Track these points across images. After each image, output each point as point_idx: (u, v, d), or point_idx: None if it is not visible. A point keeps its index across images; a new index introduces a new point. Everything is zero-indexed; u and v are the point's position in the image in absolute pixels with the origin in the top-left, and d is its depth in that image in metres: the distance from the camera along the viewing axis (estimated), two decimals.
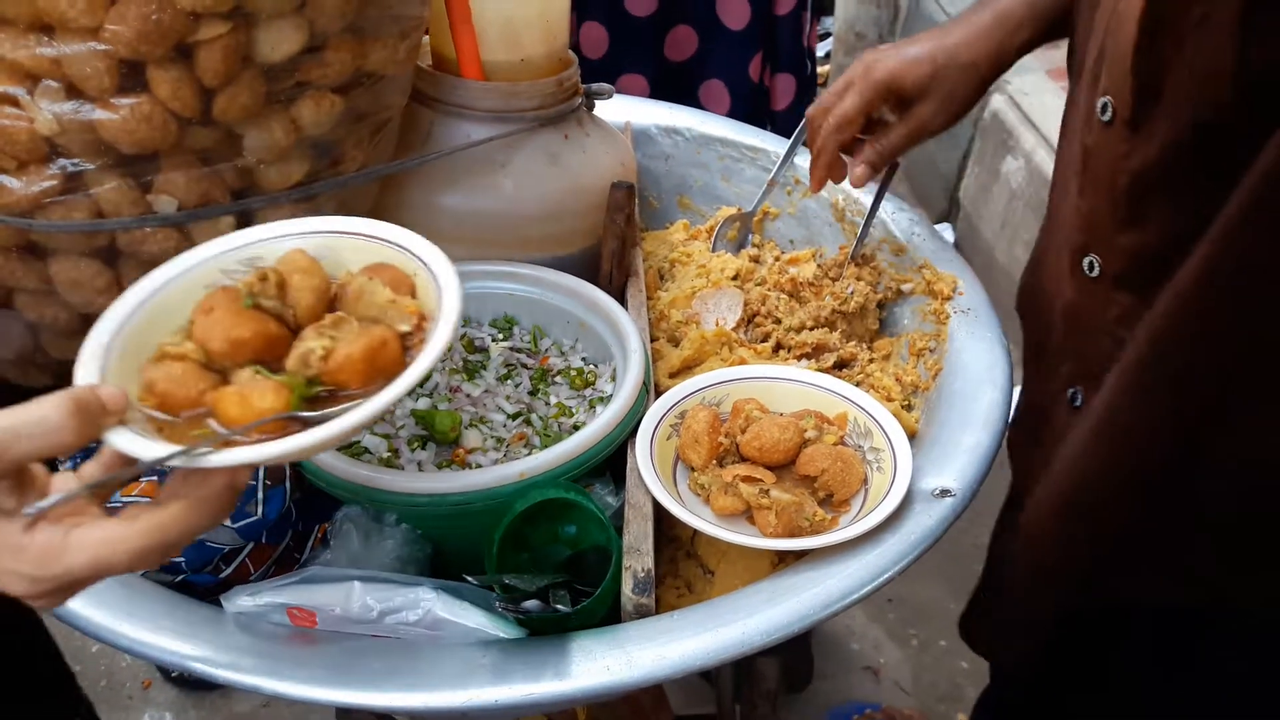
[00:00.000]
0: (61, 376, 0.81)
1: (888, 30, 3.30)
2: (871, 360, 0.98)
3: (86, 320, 0.79)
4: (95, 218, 0.74)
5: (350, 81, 0.78)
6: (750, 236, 1.17)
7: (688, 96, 1.91)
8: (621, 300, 0.96)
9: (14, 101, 0.69)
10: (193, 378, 0.55)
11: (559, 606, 0.66)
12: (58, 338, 0.80)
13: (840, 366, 0.98)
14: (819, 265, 1.07)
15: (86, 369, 0.55)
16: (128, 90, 0.69)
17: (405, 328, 0.58)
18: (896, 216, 1.09)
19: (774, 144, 1.22)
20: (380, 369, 0.55)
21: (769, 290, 1.04)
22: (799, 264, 1.09)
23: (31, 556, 0.51)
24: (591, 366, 0.91)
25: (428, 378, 0.88)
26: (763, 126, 1.95)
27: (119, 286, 0.78)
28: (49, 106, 0.69)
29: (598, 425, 0.78)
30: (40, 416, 0.50)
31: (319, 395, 0.55)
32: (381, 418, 0.69)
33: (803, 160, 1.17)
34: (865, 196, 1.09)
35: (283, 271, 0.59)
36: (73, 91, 0.68)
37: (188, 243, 0.77)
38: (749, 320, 1.03)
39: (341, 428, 0.51)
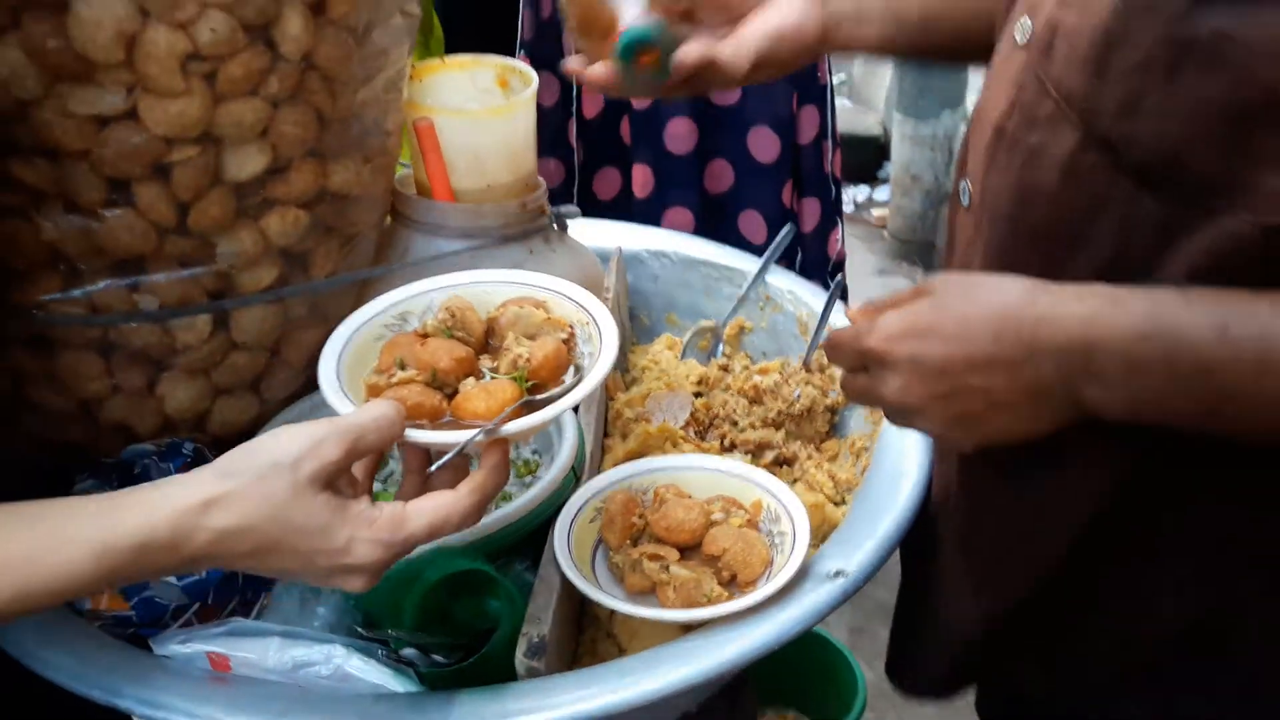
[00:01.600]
0: (51, 448, 0.92)
1: (943, 172, 3.38)
2: (810, 458, 1.03)
3: (82, 405, 0.91)
4: (90, 314, 0.86)
5: (314, 199, 0.89)
6: (721, 347, 1.24)
7: (729, 226, 2.04)
8: None
9: (24, 213, 0.82)
10: (429, 394, 0.71)
11: (436, 657, 0.72)
12: (55, 421, 0.91)
13: (782, 464, 1.03)
14: (780, 374, 1.13)
15: (342, 404, 0.69)
16: (115, 203, 0.81)
17: (563, 336, 0.76)
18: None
19: (750, 264, 1.30)
20: (563, 365, 0.74)
21: (731, 395, 1.11)
22: (766, 373, 1.15)
23: (382, 525, 0.63)
24: (537, 458, 0.98)
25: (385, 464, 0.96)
26: (793, 249, 2.06)
27: (110, 375, 0.89)
28: (52, 217, 0.82)
29: (517, 504, 0.84)
30: (379, 415, 0.65)
31: (528, 388, 0.72)
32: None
33: (774, 279, 1.25)
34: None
35: (455, 310, 0.75)
36: (70, 205, 0.81)
37: (169, 338, 0.88)
38: (709, 423, 1.10)
39: (568, 402, 0.70)
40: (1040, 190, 0.68)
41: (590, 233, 1.26)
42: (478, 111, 1.05)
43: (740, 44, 0.88)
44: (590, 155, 2.03)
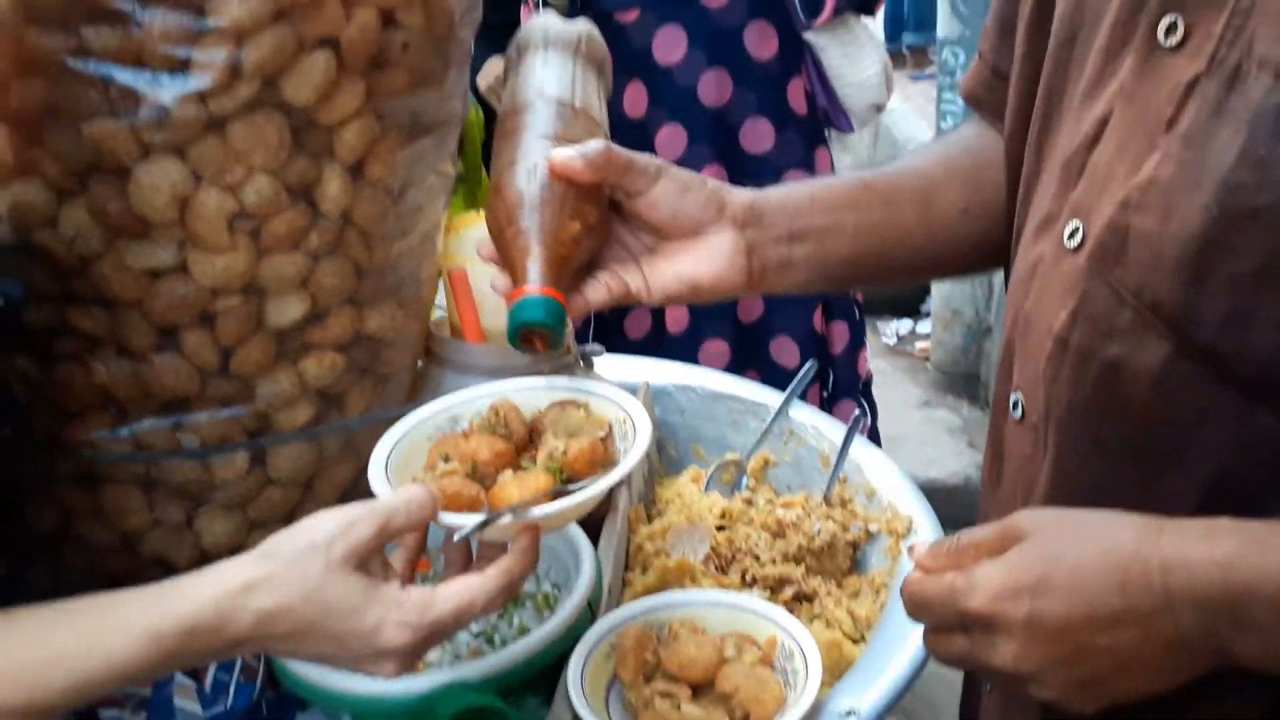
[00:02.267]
0: (92, 581, 0.96)
1: (984, 306, 3.41)
2: (830, 594, 1.03)
3: (124, 538, 0.95)
4: (135, 451, 0.91)
5: (350, 343, 0.95)
6: (745, 480, 1.26)
7: (762, 353, 2.09)
8: (598, 533, 1.06)
9: (79, 358, 0.88)
10: (468, 485, 0.74)
11: None
12: (97, 554, 0.96)
13: (801, 600, 1.04)
14: (803, 507, 1.15)
15: (382, 487, 0.74)
16: (163, 349, 0.87)
17: (601, 434, 0.79)
18: (870, 460, 1.16)
19: (775, 398, 1.33)
20: (598, 459, 0.77)
21: (754, 529, 1.12)
22: (790, 507, 1.17)
23: (411, 607, 0.65)
24: (556, 592, 1.00)
25: None
26: (825, 371, 2.09)
27: (150, 510, 0.94)
28: (104, 362, 0.88)
29: (533, 638, 0.86)
30: (410, 497, 0.68)
31: (563, 481, 0.76)
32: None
33: (797, 413, 1.27)
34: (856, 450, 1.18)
35: (501, 409, 0.81)
36: (121, 350, 0.87)
37: (208, 474, 0.93)
38: (731, 557, 1.11)
39: (598, 489, 0.74)
40: (1127, 405, 0.63)
41: (617, 368, 1.31)
42: None
43: (652, 282, 0.82)
44: None
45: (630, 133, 1.99)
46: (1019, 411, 0.71)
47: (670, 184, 0.81)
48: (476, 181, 2.15)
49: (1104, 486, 0.64)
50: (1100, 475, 0.65)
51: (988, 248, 0.85)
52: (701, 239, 0.82)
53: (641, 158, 0.81)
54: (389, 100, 0.85)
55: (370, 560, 0.67)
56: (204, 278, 0.84)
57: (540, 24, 0.88)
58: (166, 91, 0.75)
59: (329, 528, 0.66)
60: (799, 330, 2.06)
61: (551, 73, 0.85)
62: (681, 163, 1.96)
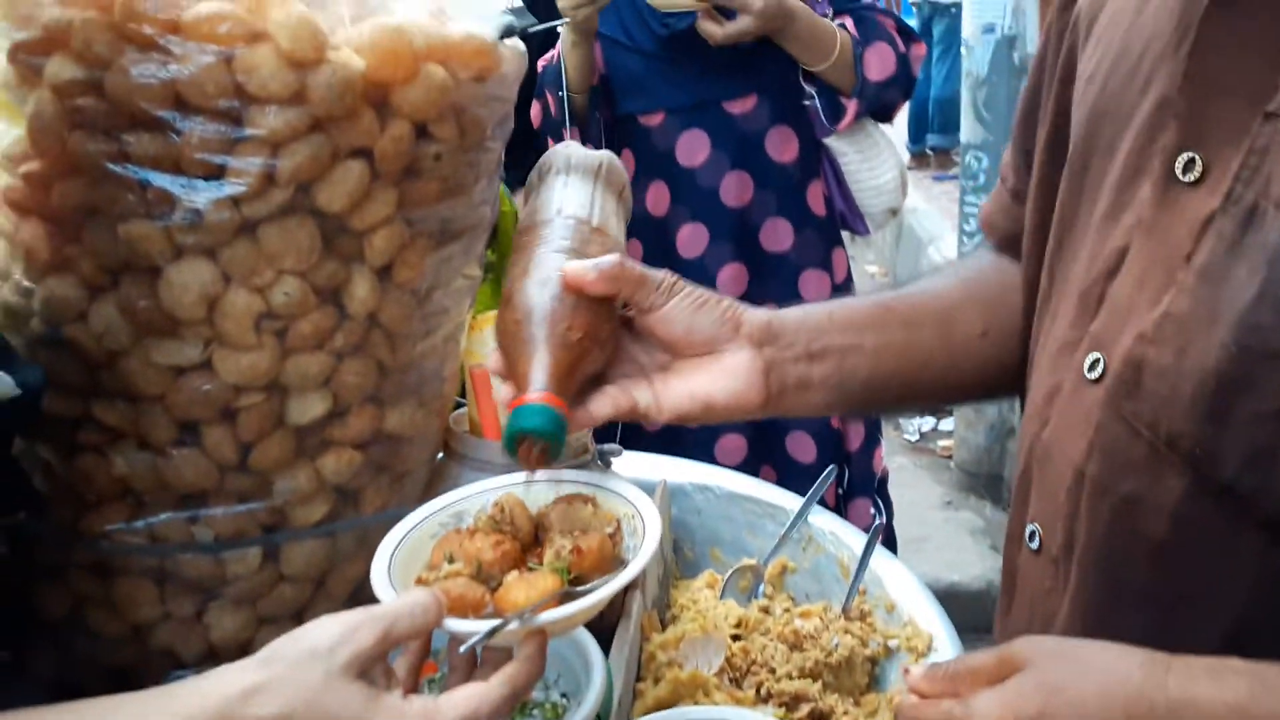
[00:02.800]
0: (100, 672, 0.95)
1: (1008, 406, 3.39)
2: (847, 713, 1.00)
3: (134, 630, 0.94)
4: (150, 544, 0.91)
5: (369, 440, 0.95)
6: (762, 588, 1.24)
7: (778, 448, 2.08)
8: (610, 639, 1.04)
9: (100, 450, 0.88)
10: (473, 587, 0.73)
11: None
12: (107, 645, 0.95)
13: (818, 719, 1.01)
14: (821, 618, 1.13)
15: (386, 592, 0.72)
16: (184, 443, 0.88)
17: (610, 530, 0.78)
18: (890, 572, 1.14)
19: (793, 502, 1.32)
20: (607, 558, 0.75)
21: (770, 640, 1.10)
22: (808, 617, 1.15)
23: (413, 718, 0.63)
24: (565, 701, 0.98)
25: None
26: (840, 467, 2.08)
27: (162, 602, 0.93)
28: (125, 454, 0.88)
29: None
30: (414, 602, 0.67)
31: (571, 581, 0.74)
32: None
33: (816, 518, 1.26)
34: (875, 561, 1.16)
35: (505, 505, 0.79)
36: (142, 443, 0.88)
37: (221, 568, 0.93)
38: (746, 669, 1.09)
39: (607, 593, 0.72)
40: (1144, 543, 0.62)
41: (635, 465, 1.30)
42: None
43: (662, 399, 0.80)
44: None
45: (652, 231, 2.01)
46: (1036, 543, 0.69)
47: (684, 300, 0.80)
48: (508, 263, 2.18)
49: (1124, 625, 0.62)
50: (1120, 613, 0.63)
51: (1007, 372, 0.84)
52: (716, 356, 0.80)
53: (655, 273, 0.81)
54: (419, 208, 0.87)
55: (373, 668, 0.66)
56: (228, 375, 0.85)
57: (563, 150, 0.90)
58: (202, 196, 0.77)
59: (331, 634, 0.65)
60: (816, 425, 2.06)
61: (571, 194, 0.86)
62: (702, 260, 1.99)
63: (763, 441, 2.07)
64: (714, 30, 1.82)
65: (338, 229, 0.84)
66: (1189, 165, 0.59)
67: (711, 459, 2.00)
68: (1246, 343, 0.55)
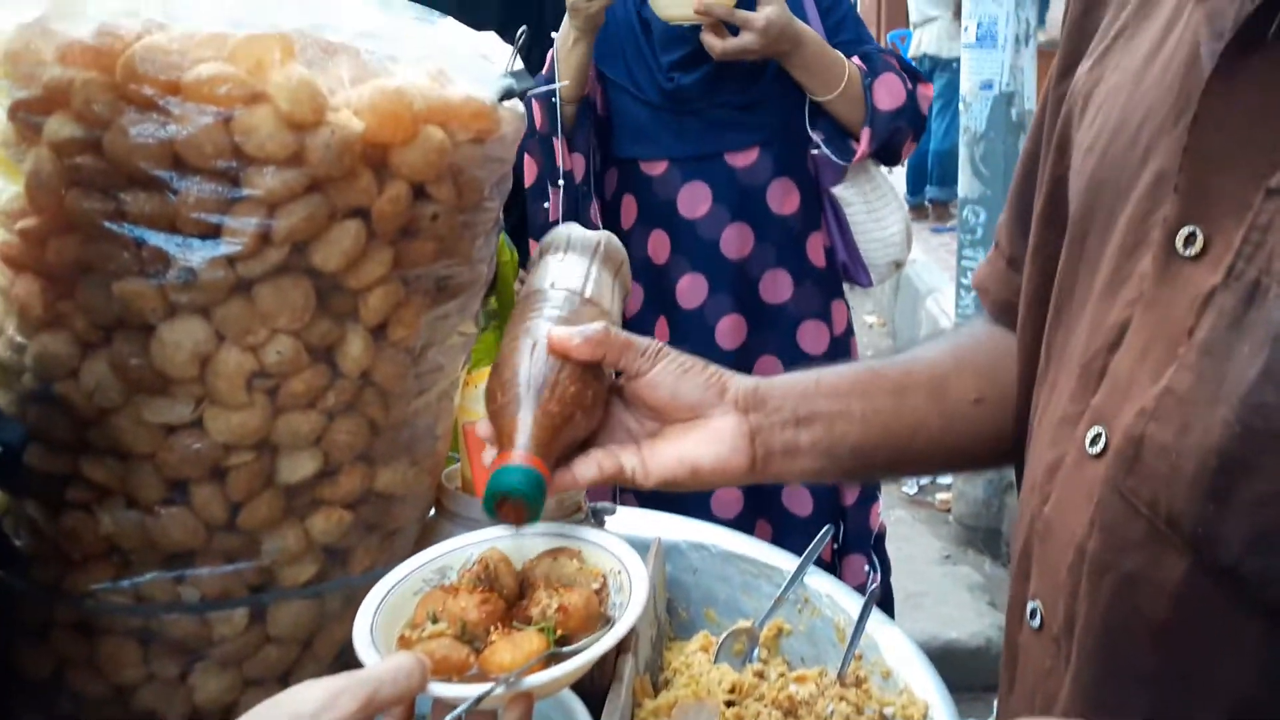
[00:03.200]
0: None
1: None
2: None
3: (117, 691, 0.93)
4: (135, 604, 0.90)
5: (360, 499, 0.94)
6: (757, 651, 1.22)
7: (775, 501, 2.08)
8: (601, 702, 1.02)
9: (87, 508, 0.87)
10: (457, 648, 0.72)
11: None
12: (89, 706, 0.93)
13: None
14: (816, 684, 1.11)
15: (369, 655, 0.71)
16: (172, 502, 0.87)
17: (596, 586, 0.77)
18: (886, 638, 1.13)
19: (790, 562, 1.30)
20: (593, 616, 0.75)
21: (765, 706, 1.08)
22: (804, 682, 1.13)
23: None
24: None
25: None
26: (836, 522, 2.06)
27: (146, 664, 0.92)
28: (112, 513, 0.87)
29: None
30: (398, 666, 0.66)
31: (557, 640, 0.74)
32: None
33: (813, 580, 1.24)
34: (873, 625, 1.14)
35: (490, 562, 0.78)
36: (130, 502, 0.87)
37: (207, 629, 0.91)
38: None
39: (594, 655, 0.71)
40: (1145, 623, 0.60)
41: (630, 522, 1.29)
42: None
43: (649, 464, 0.80)
44: None
45: (653, 278, 2.01)
46: (1037, 621, 0.68)
47: (670, 365, 0.81)
48: (507, 319, 2.17)
49: (1126, 705, 0.60)
50: (1122, 693, 0.62)
51: (1002, 441, 0.83)
52: (703, 421, 0.81)
53: (641, 340, 0.82)
54: (415, 267, 0.87)
55: None
56: (218, 434, 0.84)
57: (564, 230, 0.91)
58: (197, 254, 0.77)
59: (313, 700, 0.63)
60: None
61: (566, 268, 0.87)
62: (702, 311, 1.99)
63: (759, 494, 2.06)
64: (715, 43, 1.82)
65: (332, 287, 0.84)
66: (1190, 239, 0.58)
67: (708, 511, 1.99)
68: (1250, 422, 0.54)
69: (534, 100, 1.91)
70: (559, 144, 1.92)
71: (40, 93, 0.76)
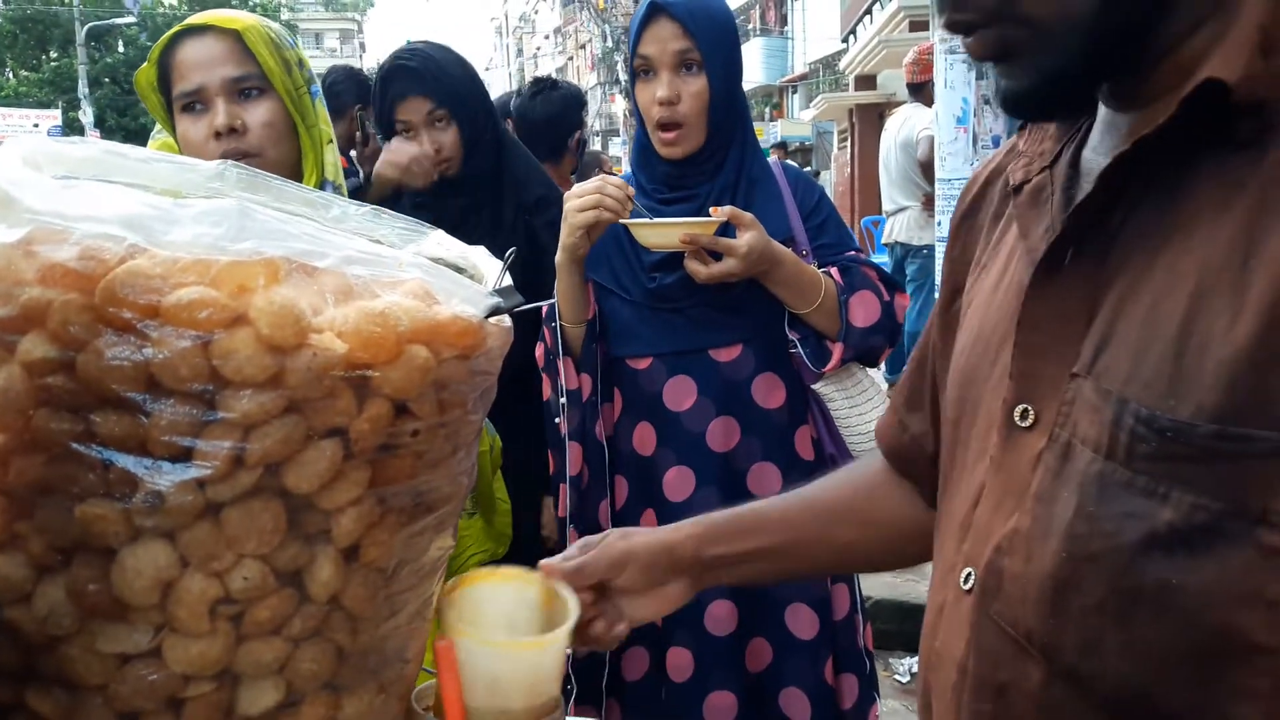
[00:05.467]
0: None
1: None
2: None
3: None
4: None
5: None
6: None
7: (771, 707, 1.99)
8: None
9: None
10: None
11: None
12: None
13: None
14: None
15: None
16: None
17: None
18: None
19: None
20: None
21: None
22: None
23: None
24: None
25: None
26: None
27: None
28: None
29: None
30: None
31: None
32: None
33: None
34: None
35: None
36: None
37: None
38: None
39: None
40: None
41: None
42: (506, 643, 1.04)
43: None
44: None
45: (640, 471, 2.00)
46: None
47: (633, 573, 1.11)
48: (491, 509, 2.13)
49: None
50: None
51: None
52: (659, 590, 1.14)
53: (598, 565, 1.11)
54: (392, 484, 0.84)
55: None
56: (176, 664, 0.79)
57: None
58: (165, 478, 0.74)
59: None
60: (809, 682, 1.97)
61: None
62: (690, 503, 1.96)
63: (755, 700, 1.98)
64: (699, 269, 1.87)
65: (304, 506, 0.81)
66: (1024, 414, 0.75)
67: (701, 628, 1.95)
68: (1072, 550, 0.68)
69: (544, 327, 2.01)
70: (563, 365, 1.97)
71: (17, 311, 0.75)
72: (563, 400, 1.99)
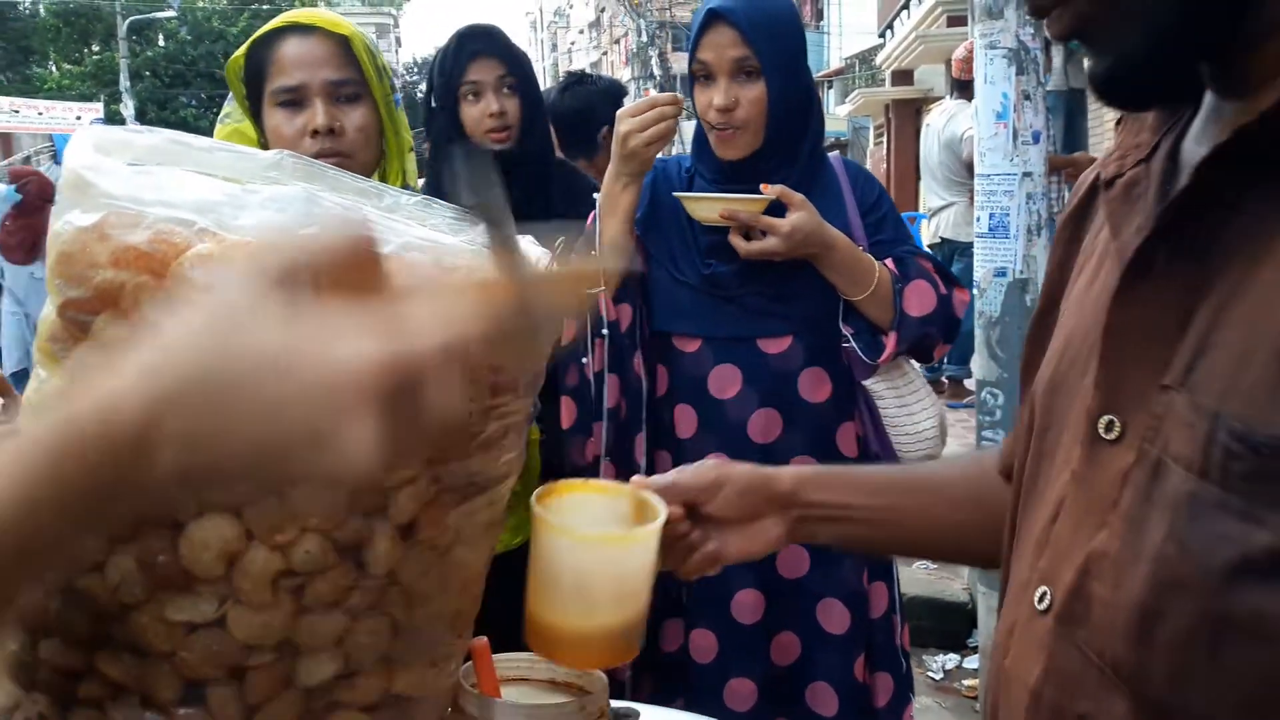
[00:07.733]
0: None
1: None
2: None
3: None
4: None
5: (377, 702, 0.91)
6: None
7: (797, 700, 1.99)
8: None
9: (99, 705, 0.85)
10: None
11: None
12: None
13: None
14: None
15: None
16: (188, 702, 0.84)
17: None
18: None
19: None
20: None
21: None
22: None
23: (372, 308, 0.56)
24: None
25: None
26: None
27: None
28: (125, 712, 0.84)
29: None
30: None
31: None
32: None
33: None
34: None
35: None
36: (145, 701, 0.84)
37: None
38: None
39: None
40: None
41: None
42: (596, 536, 1.03)
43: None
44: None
45: (679, 451, 2.01)
46: None
47: (729, 493, 1.08)
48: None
49: None
50: None
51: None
52: (755, 523, 1.08)
53: (697, 481, 1.08)
54: (447, 465, 0.87)
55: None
56: (240, 633, 0.82)
57: None
58: None
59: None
60: (837, 677, 1.97)
61: None
62: None
63: (777, 692, 1.99)
64: (741, 244, 1.88)
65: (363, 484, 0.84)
66: (1110, 426, 0.71)
67: (720, 704, 1.93)
68: (1160, 576, 0.64)
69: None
70: (603, 296, 1.93)
71: (91, 293, 0.78)
72: (604, 332, 1.95)
